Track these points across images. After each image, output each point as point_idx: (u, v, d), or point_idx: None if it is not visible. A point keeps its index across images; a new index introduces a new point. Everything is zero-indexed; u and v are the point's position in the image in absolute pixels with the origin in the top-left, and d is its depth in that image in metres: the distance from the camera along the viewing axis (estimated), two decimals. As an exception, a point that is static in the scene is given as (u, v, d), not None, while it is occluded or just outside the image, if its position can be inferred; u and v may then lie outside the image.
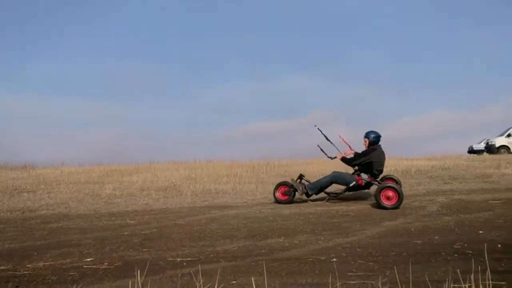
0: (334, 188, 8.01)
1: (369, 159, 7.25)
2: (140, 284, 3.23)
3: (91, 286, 3.33)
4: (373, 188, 7.39)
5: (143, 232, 5.45)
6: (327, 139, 7.74)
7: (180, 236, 5.11)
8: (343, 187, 7.58)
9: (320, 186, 7.47)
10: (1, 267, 3.97)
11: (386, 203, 6.53)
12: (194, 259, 4.00)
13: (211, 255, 4.16)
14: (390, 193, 6.58)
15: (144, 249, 4.48)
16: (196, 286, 3.13)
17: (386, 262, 3.66)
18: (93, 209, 7.70)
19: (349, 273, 3.39)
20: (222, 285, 3.21)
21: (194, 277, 3.33)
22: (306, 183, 7.60)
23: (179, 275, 3.52)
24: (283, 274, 3.47)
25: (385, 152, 7.41)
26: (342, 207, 6.93)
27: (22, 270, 3.86)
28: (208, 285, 3.17)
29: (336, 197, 7.71)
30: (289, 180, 7.80)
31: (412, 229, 4.97)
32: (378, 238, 4.59)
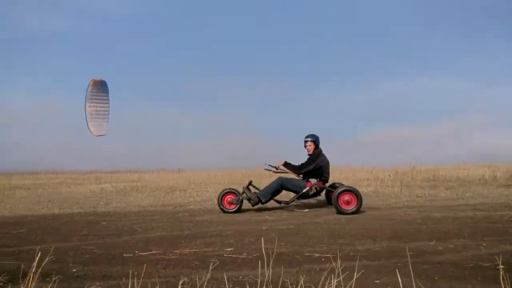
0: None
1: (320, 164, 6.83)
2: (272, 274, 3.11)
3: (230, 272, 3.34)
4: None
5: (280, 227, 5.40)
6: (276, 169, 7.32)
7: (318, 233, 4.91)
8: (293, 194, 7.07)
9: (271, 192, 6.99)
10: (153, 252, 4.27)
11: (345, 207, 6.17)
12: (332, 255, 3.75)
13: (351, 253, 3.85)
14: (348, 197, 6.19)
15: (281, 243, 4.39)
16: (333, 281, 2.88)
17: None
18: (234, 206, 8.01)
19: (525, 284, 2.76)
20: (364, 283, 2.90)
21: (331, 273, 3.09)
22: (256, 190, 7.13)
23: (317, 269, 3.32)
24: (436, 278, 3.00)
25: None
26: (507, 212, 5.90)
27: (170, 255, 4.10)
28: (348, 282, 2.89)
29: (287, 204, 7.15)
30: (238, 188, 7.37)
31: None
32: (562, 248, 3.71)
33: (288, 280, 2.99)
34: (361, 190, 9.55)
